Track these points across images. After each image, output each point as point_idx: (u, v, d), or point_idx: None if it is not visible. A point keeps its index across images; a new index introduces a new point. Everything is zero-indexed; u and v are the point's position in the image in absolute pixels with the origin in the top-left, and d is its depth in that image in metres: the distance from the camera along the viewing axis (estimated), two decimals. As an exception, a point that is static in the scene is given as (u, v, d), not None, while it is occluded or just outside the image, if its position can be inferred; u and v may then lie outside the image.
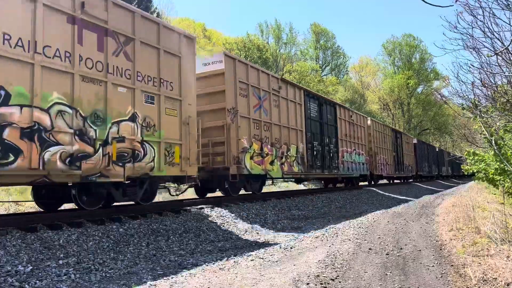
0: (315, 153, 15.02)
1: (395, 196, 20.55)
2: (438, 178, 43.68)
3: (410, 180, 32.82)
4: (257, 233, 8.66)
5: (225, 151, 10.32)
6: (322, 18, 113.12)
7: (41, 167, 5.89)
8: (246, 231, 8.65)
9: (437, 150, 43.94)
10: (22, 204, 12.31)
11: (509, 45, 4.74)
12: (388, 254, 5.50)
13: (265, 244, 7.25)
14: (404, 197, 20.23)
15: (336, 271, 4.59)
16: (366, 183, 23.05)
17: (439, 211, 10.30)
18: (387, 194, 20.45)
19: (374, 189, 20.87)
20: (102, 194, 7.51)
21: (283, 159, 12.78)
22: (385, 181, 29.07)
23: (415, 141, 34.71)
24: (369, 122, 22.37)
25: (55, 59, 6.29)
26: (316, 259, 5.15)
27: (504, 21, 7.05)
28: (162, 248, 6.70)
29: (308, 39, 56.09)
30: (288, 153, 13.07)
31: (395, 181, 30.50)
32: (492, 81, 7.21)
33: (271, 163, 12.00)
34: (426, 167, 36.80)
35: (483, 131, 7.16)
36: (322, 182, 20.69)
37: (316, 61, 54.88)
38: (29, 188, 8.16)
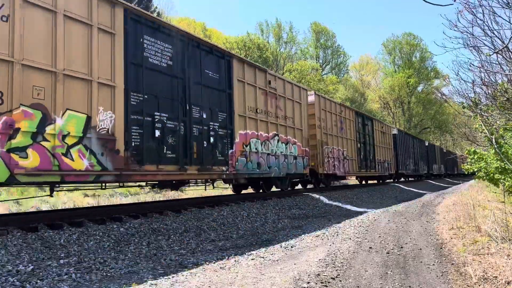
0: (158, 134, 8.01)
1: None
2: (429, 177, 37.63)
3: (389, 181, 26.49)
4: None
5: None
6: (322, 17, 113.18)
7: None
8: None
9: (426, 144, 37.18)
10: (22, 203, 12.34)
11: (508, 43, 4.74)
12: (388, 253, 5.51)
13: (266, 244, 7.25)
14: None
15: (336, 270, 4.60)
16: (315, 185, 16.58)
17: (440, 209, 10.31)
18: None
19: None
20: None
21: (21, 141, 5.60)
22: (351, 181, 22.88)
23: (395, 131, 27.03)
24: (311, 97, 15.25)
25: None
26: (316, 258, 5.16)
27: (504, 19, 7.06)
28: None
29: (308, 38, 56.25)
30: (46, 129, 5.94)
31: (369, 181, 24.37)
32: (492, 79, 7.22)
33: None
34: (410, 164, 29.67)
35: (484, 129, 7.17)
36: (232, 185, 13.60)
37: (316, 60, 54.95)
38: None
